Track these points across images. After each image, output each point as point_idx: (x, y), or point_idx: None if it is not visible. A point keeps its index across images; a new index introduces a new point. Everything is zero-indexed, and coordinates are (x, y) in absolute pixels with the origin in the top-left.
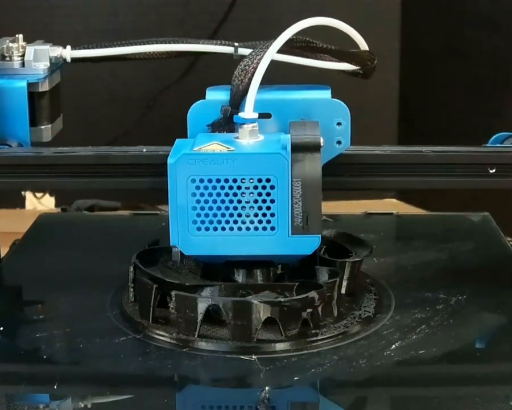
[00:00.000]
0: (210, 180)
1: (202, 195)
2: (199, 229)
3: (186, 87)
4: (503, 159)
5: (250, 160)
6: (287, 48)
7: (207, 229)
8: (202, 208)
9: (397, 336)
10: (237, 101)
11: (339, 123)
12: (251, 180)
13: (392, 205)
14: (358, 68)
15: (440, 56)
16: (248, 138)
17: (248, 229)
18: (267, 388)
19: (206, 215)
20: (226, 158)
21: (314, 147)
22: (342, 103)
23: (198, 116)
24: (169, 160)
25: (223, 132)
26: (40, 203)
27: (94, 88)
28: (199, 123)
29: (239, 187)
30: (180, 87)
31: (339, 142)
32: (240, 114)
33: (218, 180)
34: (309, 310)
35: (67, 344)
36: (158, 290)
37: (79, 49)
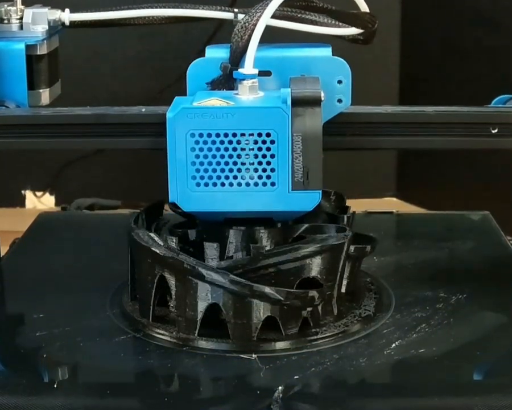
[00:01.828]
0: (209, 135)
1: (201, 149)
2: (198, 184)
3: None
4: (505, 119)
5: (249, 114)
6: (286, 8)
7: (206, 184)
8: (202, 163)
9: (398, 335)
10: (237, 58)
11: (339, 81)
12: (251, 135)
13: (392, 205)
14: (358, 32)
15: (440, 55)
16: (248, 94)
17: (248, 184)
18: (280, 387)
19: (206, 170)
20: (225, 112)
21: (314, 102)
22: (343, 60)
23: (197, 74)
24: (168, 115)
25: (223, 90)
26: (40, 202)
27: (94, 87)
28: (198, 82)
29: (238, 142)
30: (180, 86)
31: (339, 100)
32: (240, 70)
33: (218, 135)
34: (309, 309)
35: (67, 343)
36: (158, 289)
37: (78, 13)
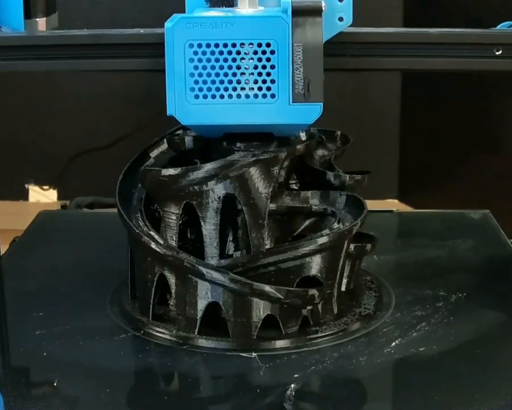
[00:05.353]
0: (208, 45)
1: (200, 60)
2: (197, 96)
3: None
4: (509, 40)
5: (249, 23)
6: None
7: (205, 96)
8: (200, 75)
9: (397, 333)
10: None
11: None
12: (251, 45)
13: (394, 206)
14: None
15: None
16: (248, 8)
17: (247, 96)
18: (292, 385)
19: (204, 82)
20: (224, 21)
21: (315, 11)
22: None
23: None
24: (167, 25)
25: (222, 7)
26: (43, 196)
27: (94, 85)
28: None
29: (238, 52)
30: None
31: (340, 19)
32: None
33: (217, 45)
34: (309, 307)
35: (67, 341)
36: (158, 287)
37: None
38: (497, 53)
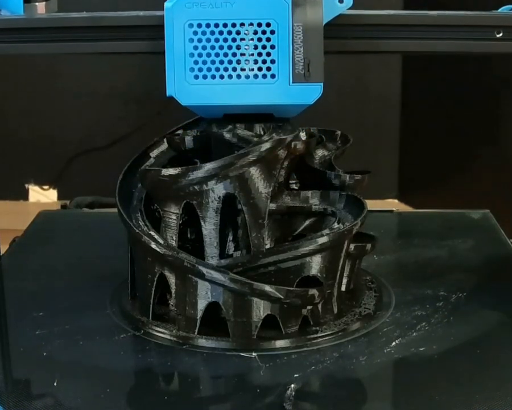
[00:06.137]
0: (208, 25)
1: (199, 40)
2: (196, 77)
3: None
4: (510, 22)
5: (249, 3)
6: None
7: (205, 77)
8: (200, 55)
9: (398, 333)
10: None
11: None
12: (251, 25)
13: (393, 206)
14: None
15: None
16: None
17: (247, 77)
18: (292, 385)
19: (204, 62)
20: (224, 1)
21: None
22: None
23: None
24: (166, 5)
25: None
26: (43, 196)
27: (94, 85)
28: None
29: (238, 32)
30: None
31: (341, 1)
32: None
33: (217, 25)
34: (309, 307)
35: (67, 341)
36: (158, 287)
37: None
38: (498, 35)
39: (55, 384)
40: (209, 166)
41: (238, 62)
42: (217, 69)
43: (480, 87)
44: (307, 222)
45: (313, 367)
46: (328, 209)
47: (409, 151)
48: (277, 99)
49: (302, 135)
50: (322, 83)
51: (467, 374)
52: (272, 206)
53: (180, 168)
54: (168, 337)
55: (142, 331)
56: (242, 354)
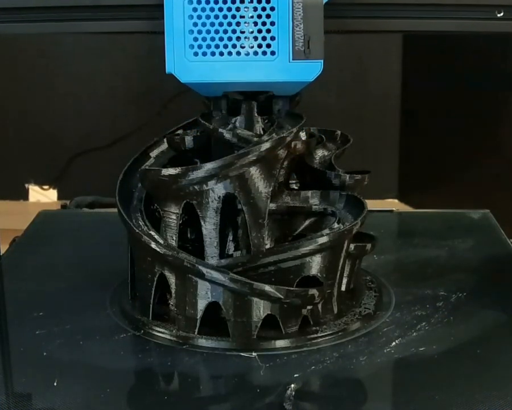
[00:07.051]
0: (207, 1)
1: (199, 17)
2: (196, 54)
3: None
4: (511, 1)
5: None
6: None
7: (204, 54)
8: (200, 32)
9: (398, 333)
10: None
11: None
12: (251, 2)
13: (393, 206)
14: None
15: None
16: None
17: (247, 54)
18: (292, 385)
19: (204, 39)
20: None
21: None
22: None
23: None
24: None
25: None
26: (43, 195)
27: (94, 85)
28: None
29: (238, 9)
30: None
31: None
32: None
33: (216, 1)
34: (309, 307)
35: (67, 341)
36: (158, 287)
37: None
38: (498, 15)
39: (55, 384)
40: (209, 166)
41: (238, 39)
42: (217, 46)
43: (480, 87)
44: (307, 222)
45: (313, 367)
46: (328, 209)
47: (409, 151)
48: (277, 76)
49: (302, 135)
50: (322, 61)
51: (467, 374)
52: (272, 206)
53: (180, 168)
54: (168, 337)
55: (142, 331)
56: (242, 354)
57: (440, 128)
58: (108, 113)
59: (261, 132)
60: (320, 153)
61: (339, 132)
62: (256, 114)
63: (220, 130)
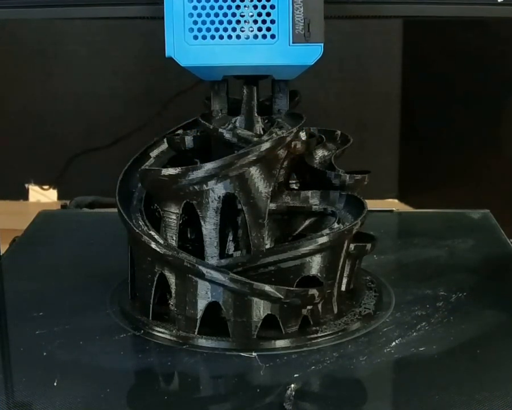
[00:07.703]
0: None
1: (199, 0)
2: (196, 37)
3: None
4: None
5: None
6: None
7: (204, 37)
8: (199, 15)
9: (398, 333)
10: None
11: None
12: None
13: (393, 206)
14: None
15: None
16: None
17: (247, 37)
18: (292, 385)
19: (203, 22)
20: None
21: None
22: None
23: None
24: None
25: None
26: (43, 195)
27: (94, 85)
28: None
29: None
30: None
31: None
32: None
33: None
34: (309, 307)
35: (67, 341)
36: (158, 287)
37: None
38: (499, 0)
39: (55, 384)
40: (209, 166)
41: (238, 22)
42: (216, 30)
43: (480, 87)
44: (307, 222)
45: (313, 367)
46: (328, 209)
47: (409, 151)
48: (277, 60)
49: (302, 135)
50: (322, 44)
51: (467, 374)
52: (272, 206)
53: (180, 168)
54: (168, 337)
55: (142, 331)
56: (242, 354)
57: (440, 129)
58: (108, 113)
59: (261, 132)
60: (320, 153)
61: (339, 132)
62: (256, 114)
63: (220, 130)
